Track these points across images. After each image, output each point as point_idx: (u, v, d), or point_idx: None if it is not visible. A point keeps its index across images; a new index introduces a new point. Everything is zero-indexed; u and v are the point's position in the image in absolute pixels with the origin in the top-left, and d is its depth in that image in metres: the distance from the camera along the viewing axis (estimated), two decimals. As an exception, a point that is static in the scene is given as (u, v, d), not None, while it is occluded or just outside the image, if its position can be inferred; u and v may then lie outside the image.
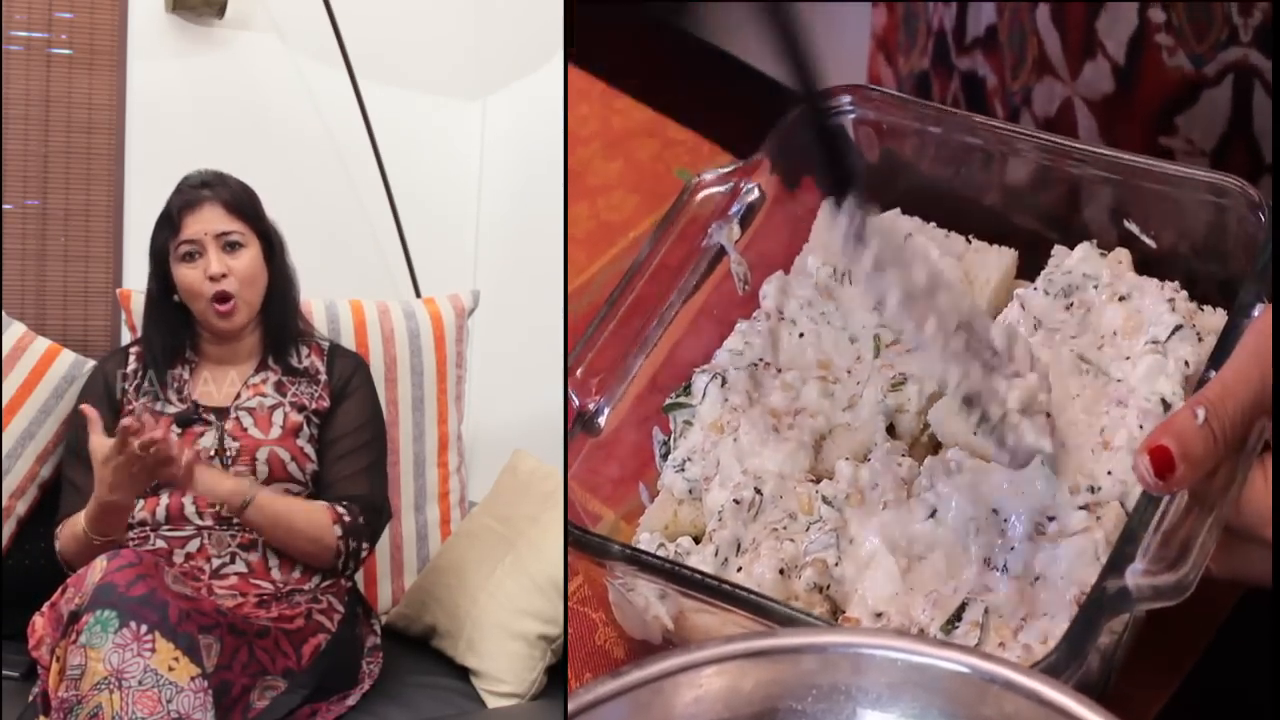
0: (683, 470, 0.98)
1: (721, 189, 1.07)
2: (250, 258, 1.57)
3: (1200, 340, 0.94)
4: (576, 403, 0.98)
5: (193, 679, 1.24)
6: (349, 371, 1.64)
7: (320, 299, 1.83)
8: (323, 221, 2.13)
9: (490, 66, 2.30)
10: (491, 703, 1.57)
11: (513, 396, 2.17)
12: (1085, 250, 1.02)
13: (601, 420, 0.98)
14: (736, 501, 0.94)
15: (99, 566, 1.28)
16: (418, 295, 2.13)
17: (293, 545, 1.50)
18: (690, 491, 0.98)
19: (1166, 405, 0.91)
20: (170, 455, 1.36)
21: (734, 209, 1.06)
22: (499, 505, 1.76)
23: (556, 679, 1.60)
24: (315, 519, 1.51)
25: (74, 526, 1.48)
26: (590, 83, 1.40)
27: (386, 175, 2.13)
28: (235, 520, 1.50)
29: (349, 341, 1.81)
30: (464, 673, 1.63)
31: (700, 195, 1.07)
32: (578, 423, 0.98)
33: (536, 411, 2.08)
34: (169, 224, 1.56)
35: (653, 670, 0.75)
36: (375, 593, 1.81)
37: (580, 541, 0.90)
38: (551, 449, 1.57)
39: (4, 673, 1.53)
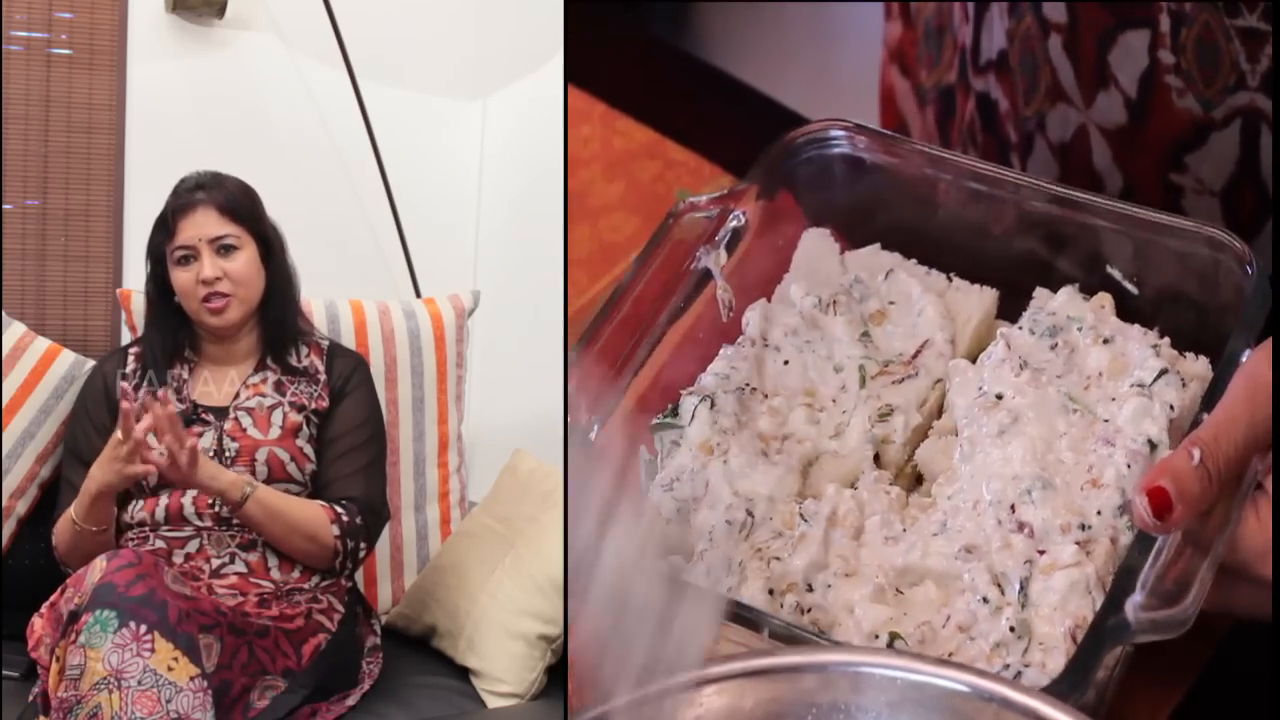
0: (671, 490, 0.98)
1: (707, 214, 1.08)
2: (245, 260, 1.57)
3: (1185, 386, 0.95)
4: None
5: (192, 679, 1.24)
6: (348, 371, 1.64)
7: (320, 299, 1.83)
8: (323, 221, 2.13)
9: (490, 67, 2.30)
10: (491, 703, 1.57)
11: (513, 396, 2.17)
12: (1068, 294, 1.03)
13: (592, 437, 0.99)
14: (729, 523, 0.94)
15: (98, 566, 1.28)
16: (418, 295, 2.13)
17: (290, 543, 1.50)
18: (678, 511, 0.98)
19: (1153, 446, 0.92)
20: (173, 443, 1.38)
21: (720, 235, 1.08)
22: (499, 505, 1.76)
23: (556, 679, 1.60)
24: (313, 517, 1.51)
25: (65, 517, 1.49)
26: (591, 104, 1.40)
27: (386, 175, 2.13)
28: (235, 521, 1.50)
29: (349, 341, 1.81)
30: (464, 673, 1.63)
31: (686, 219, 1.08)
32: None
33: (536, 411, 2.08)
34: (164, 228, 1.57)
35: (653, 689, 0.75)
36: (375, 593, 1.81)
37: None
38: (551, 449, 1.57)
39: (4, 673, 1.53)
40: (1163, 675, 0.94)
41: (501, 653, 1.58)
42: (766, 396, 1.03)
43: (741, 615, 0.86)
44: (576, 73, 1.42)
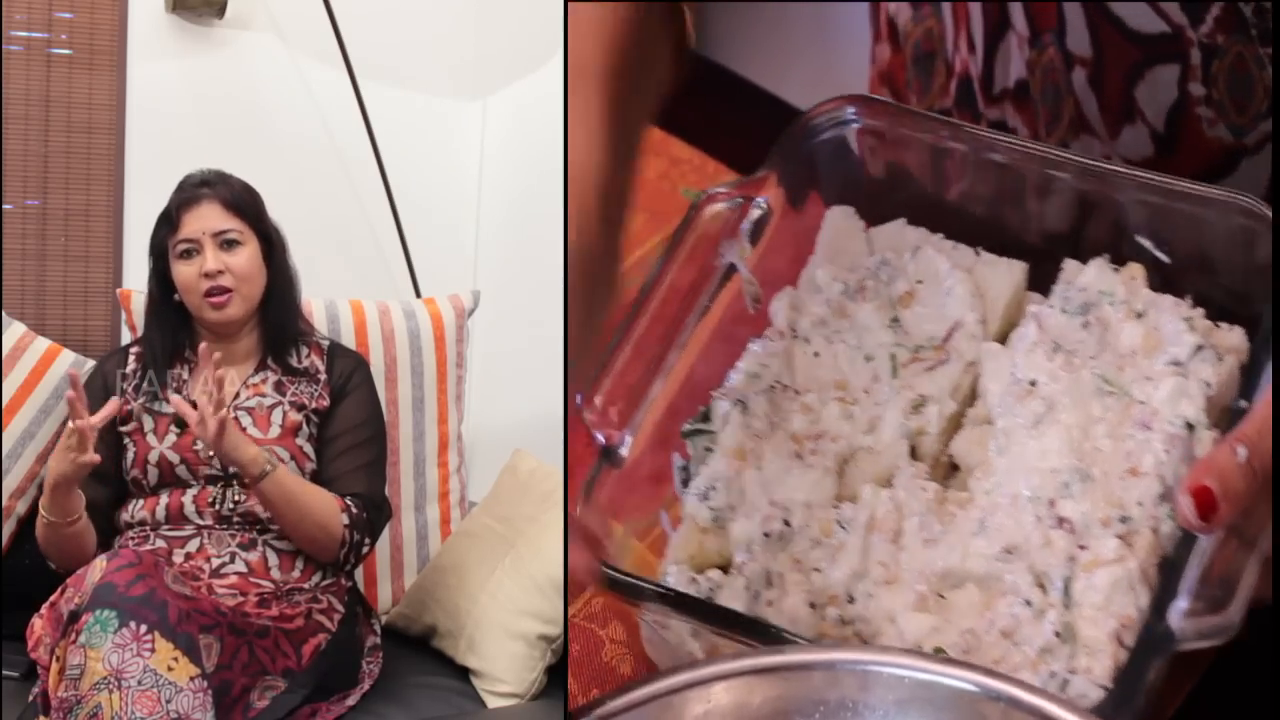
0: (706, 499, 0.97)
1: (729, 205, 1.06)
2: (248, 256, 1.57)
3: (1220, 360, 0.94)
4: (601, 439, 0.96)
5: (192, 679, 1.24)
6: (349, 370, 1.64)
7: (320, 299, 1.83)
8: (323, 221, 2.13)
9: (490, 66, 2.30)
10: (491, 703, 1.57)
11: (513, 396, 2.17)
12: (1099, 266, 1.01)
13: (624, 451, 0.96)
14: (766, 534, 0.94)
15: (99, 566, 1.28)
16: (418, 295, 2.13)
17: (300, 529, 1.50)
18: (715, 520, 0.97)
19: (1191, 428, 0.91)
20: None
21: (743, 225, 1.05)
22: (499, 505, 1.76)
23: (556, 679, 1.60)
24: (325, 505, 1.51)
25: (40, 511, 1.49)
26: None
27: (386, 175, 2.13)
28: (235, 520, 1.50)
29: (349, 341, 1.81)
30: (464, 673, 1.63)
31: (708, 212, 1.05)
32: (602, 456, 0.96)
33: (536, 411, 2.08)
34: (168, 222, 1.57)
35: (661, 685, 0.75)
36: (375, 593, 1.81)
37: (614, 582, 0.89)
38: (551, 449, 1.57)
39: (4, 673, 1.53)
40: (1170, 670, 0.93)
41: (501, 653, 1.58)
42: (799, 393, 1.02)
43: (778, 638, 0.85)
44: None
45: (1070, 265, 1.03)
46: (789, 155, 1.08)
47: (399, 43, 2.24)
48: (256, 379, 1.60)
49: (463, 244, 2.34)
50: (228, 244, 1.56)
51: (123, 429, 1.57)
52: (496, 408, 2.17)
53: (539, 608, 1.58)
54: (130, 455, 1.55)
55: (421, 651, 1.69)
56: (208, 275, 1.54)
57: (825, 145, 1.09)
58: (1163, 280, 1.01)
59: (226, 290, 1.55)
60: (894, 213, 1.11)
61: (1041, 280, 1.04)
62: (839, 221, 1.11)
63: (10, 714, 1.40)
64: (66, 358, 1.77)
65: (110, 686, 1.20)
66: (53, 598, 1.32)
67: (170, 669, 1.23)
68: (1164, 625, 0.79)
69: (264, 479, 1.46)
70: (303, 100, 2.18)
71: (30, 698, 1.33)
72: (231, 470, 1.52)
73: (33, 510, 1.71)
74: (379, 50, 2.17)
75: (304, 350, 1.64)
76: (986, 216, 1.07)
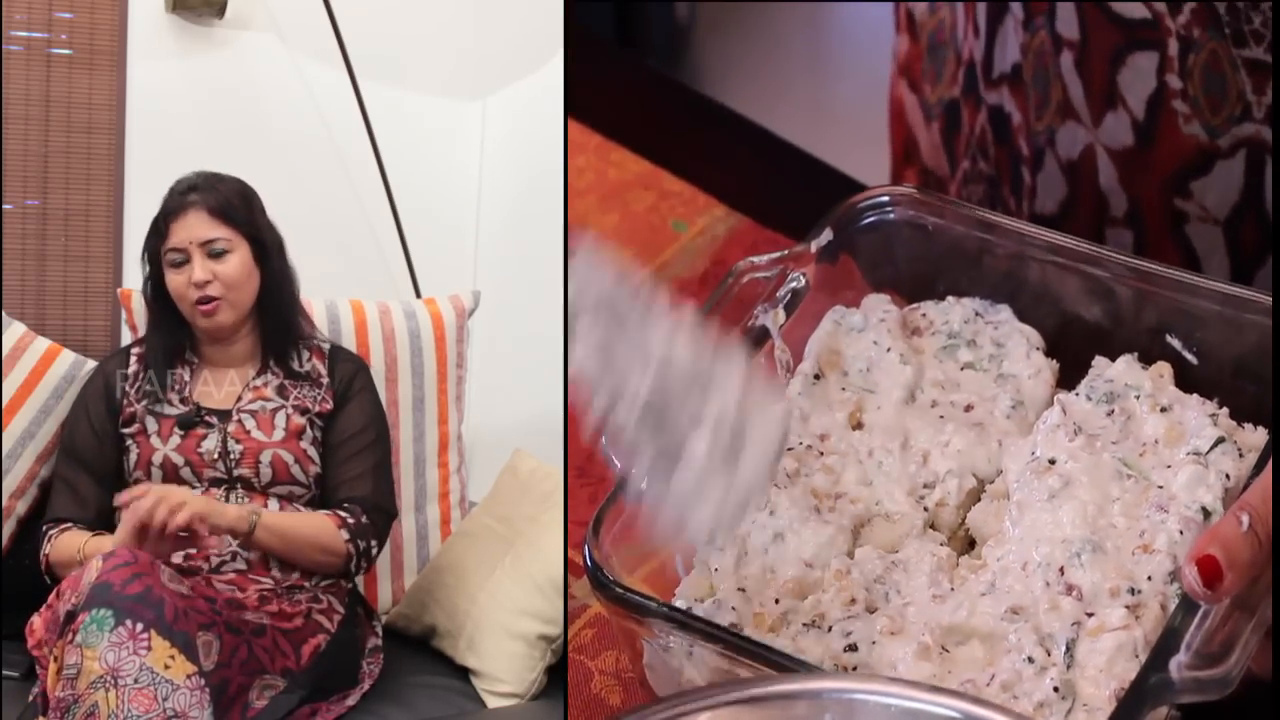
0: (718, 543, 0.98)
1: (768, 274, 1.08)
2: (237, 263, 1.56)
3: (1241, 456, 0.94)
4: (619, 465, 0.98)
5: (189, 676, 1.24)
6: (350, 374, 1.64)
7: (320, 299, 1.83)
8: (323, 221, 2.13)
9: (490, 66, 2.30)
10: (491, 703, 1.57)
11: (513, 396, 2.17)
12: (1127, 362, 1.03)
13: (643, 486, 0.97)
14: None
15: (95, 566, 1.28)
16: (418, 295, 2.13)
17: (305, 558, 1.51)
18: None
19: (1207, 514, 0.91)
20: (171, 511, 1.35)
21: (779, 294, 1.07)
22: (499, 505, 1.76)
23: (556, 679, 1.60)
24: (322, 528, 1.51)
25: (71, 544, 1.49)
26: (587, 135, 1.40)
27: (386, 175, 2.13)
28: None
29: (349, 341, 1.81)
30: (464, 673, 1.63)
31: (746, 279, 1.08)
32: (620, 486, 0.98)
33: (536, 411, 2.08)
34: (157, 231, 1.57)
35: (648, 717, 0.75)
36: (375, 593, 1.81)
37: (621, 599, 0.91)
38: (551, 449, 1.57)
39: (4, 673, 1.54)
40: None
41: (501, 653, 1.58)
42: (822, 454, 1.04)
43: (784, 660, 0.86)
44: (573, 105, 1.43)
45: (1100, 361, 1.04)
46: (828, 235, 1.10)
47: (399, 42, 2.24)
48: (259, 382, 1.60)
49: (463, 244, 2.34)
50: (215, 253, 1.55)
51: (125, 430, 1.57)
52: (496, 408, 2.17)
53: (539, 608, 1.58)
54: (133, 457, 1.55)
55: (421, 651, 1.69)
56: (196, 285, 1.54)
57: (869, 231, 1.11)
58: (1192, 380, 1.02)
59: (214, 299, 1.55)
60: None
61: (1074, 379, 1.05)
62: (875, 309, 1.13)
63: (10, 714, 1.40)
64: (66, 358, 1.77)
65: (107, 685, 1.20)
66: (50, 598, 1.32)
67: (167, 667, 1.23)
68: (1162, 675, 0.79)
69: (254, 530, 1.46)
70: (303, 100, 2.18)
71: (30, 698, 1.33)
72: (236, 474, 1.53)
73: (33, 510, 1.71)
74: (379, 50, 2.17)
75: (305, 354, 1.64)
76: (1024, 312, 1.08)
